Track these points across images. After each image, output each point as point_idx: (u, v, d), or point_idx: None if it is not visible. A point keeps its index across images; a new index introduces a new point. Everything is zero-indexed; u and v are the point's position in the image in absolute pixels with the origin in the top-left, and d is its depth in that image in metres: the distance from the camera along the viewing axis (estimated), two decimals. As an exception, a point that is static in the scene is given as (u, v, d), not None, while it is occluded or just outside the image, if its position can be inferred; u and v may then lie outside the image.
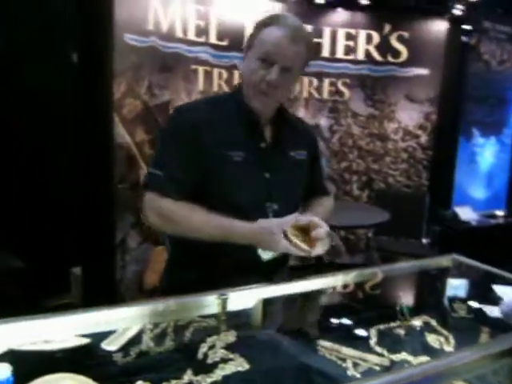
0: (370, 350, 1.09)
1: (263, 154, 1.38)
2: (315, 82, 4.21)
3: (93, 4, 2.90)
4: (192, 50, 3.45)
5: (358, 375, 0.98)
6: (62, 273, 3.16)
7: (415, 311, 1.23)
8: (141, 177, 3.05)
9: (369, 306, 1.33)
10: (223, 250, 1.26)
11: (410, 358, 1.06)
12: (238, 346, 0.98)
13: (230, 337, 1.00)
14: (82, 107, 2.97)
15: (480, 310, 1.30)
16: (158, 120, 3.21)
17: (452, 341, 1.16)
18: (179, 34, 3.35)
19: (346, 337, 1.12)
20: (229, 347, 0.98)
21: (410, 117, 4.38)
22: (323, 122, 4.30)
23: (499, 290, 1.40)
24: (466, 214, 4.53)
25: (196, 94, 3.53)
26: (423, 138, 4.41)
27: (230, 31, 3.59)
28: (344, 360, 1.03)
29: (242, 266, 1.28)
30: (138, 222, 3.07)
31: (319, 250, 1.20)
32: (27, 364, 0.90)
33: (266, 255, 1.32)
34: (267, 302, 1.21)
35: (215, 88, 3.64)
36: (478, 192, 4.92)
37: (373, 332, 1.17)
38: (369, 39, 4.22)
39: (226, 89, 3.63)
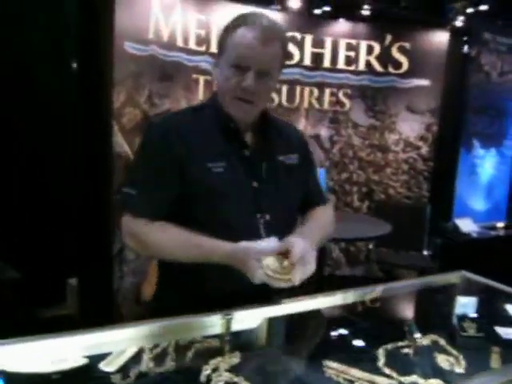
0: (379, 372, 1.04)
1: (248, 162, 1.27)
2: (316, 92, 4.19)
3: (93, 12, 2.88)
4: (193, 59, 3.44)
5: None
6: (58, 283, 3.11)
7: (423, 330, 1.19)
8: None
9: (375, 324, 1.29)
10: (210, 272, 1.18)
11: (420, 381, 1.02)
12: (242, 368, 0.94)
13: (234, 358, 0.96)
14: (81, 116, 2.94)
15: (490, 328, 1.26)
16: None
17: (462, 362, 1.12)
18: (180, 43, 3.34)
19: (353, 357, 1.08)
20: (233, 369, 0.94)
21: (410, 128, 4.37)
22: (323, 132, 4.28)
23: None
24: (466, 225, 4.49)
25: (197, 103, 3.50)
26: (424, 149, 4.39)
27: (231, 41, 3.57)
28: (352, 382, 0.99)
29: (232, 286, 1.18)
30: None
31: (298, 276, 1.09)
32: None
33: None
34: (271, 322, 1.17)
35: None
36: (478, 204, 4.90)
37: (380, 352, 1.12)
38: (370, 50, 4.22)
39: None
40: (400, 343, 1.16)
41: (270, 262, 1.08)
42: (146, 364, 0.98)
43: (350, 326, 1.24)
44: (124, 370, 0.95)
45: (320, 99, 4.22)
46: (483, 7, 4.10)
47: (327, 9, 4.03)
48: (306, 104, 4.19)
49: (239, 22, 1.23)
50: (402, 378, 1.02)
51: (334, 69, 4.18)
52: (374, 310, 1.40)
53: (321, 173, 3.67)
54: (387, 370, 1.05)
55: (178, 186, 1.22)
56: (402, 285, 1.48)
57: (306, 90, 4.16)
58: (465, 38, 4.39)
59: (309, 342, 1.16)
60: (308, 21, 3.99)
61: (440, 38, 4.31)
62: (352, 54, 4.20)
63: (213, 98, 1.33)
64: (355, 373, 1.03)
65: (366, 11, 4.05)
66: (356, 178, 4.40)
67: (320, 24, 4.11)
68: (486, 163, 4.88)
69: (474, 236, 4.46)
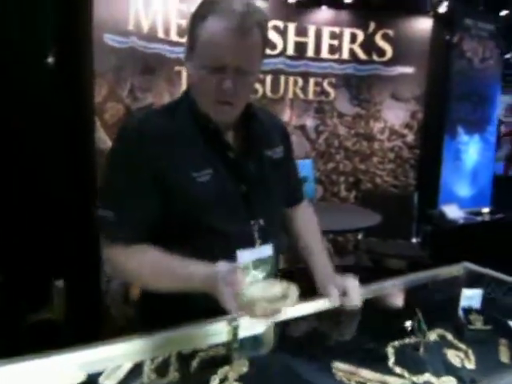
0: (390, 372, 1.01)
1: (233, 164, 1.13)
2: (300, 81, 4.14)
3: (71, 2, 2.77)
4: (174, 50, 3.34)
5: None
6: (43, 285, 3.02)
7: (429, 324, 1.16)
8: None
9: (381, 321, 1.25)
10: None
11: (433, 379, 0.99)
12: (251, 376, 0.89)
13: (243, 367, 0.91)
14: (61, 112, 2.83)
15: (497, 320, 1.24)
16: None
17: (472, 357, 1.09)
18: (161, 34, 3.24)
19: (362, 357, 1.04)
20: (242, 379, 0.89)
21: (395, 116, 4.36)
22: (309, 122, 4.24)
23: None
24: (452, 212, 4.51)
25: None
26: (410, 137, 4.39)
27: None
28: (364, 384, 0.96)
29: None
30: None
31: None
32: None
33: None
34: (276, 326, 1.12)
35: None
36: (464, 190, 4.93)
37: (390, 350, 1.09)
38: (353, 38, 4.18)
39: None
40: (407, 340, 1.14)
41: (256, 289, 0.89)
42: (148, 376, 0.93)
43: (355, 324, 1.21)
44: (125, 382, 0.90)
45: (304, 89, 4.17)
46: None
47: (309, -4, 3.98)
48: (290, 94, 4.14)
49: (207, 9, 1.02)
50: (415, 378, 0.99)
51: (317, 58, 4.14)
52: (377, 306, 1.36)
53: (307, 163, 3.63)
54: (398, 369, 1.02)
55: (159, 203, 1.07)
56: (404, 279, 1.44)
57: (291, 79, 4.11)
58: (447, 25, 4.38)
59: (316, 344, 1.12)
60: (291, 9, 3.93)
61: (423, 25, 4.29)
62: (335, 42, 4.16)
63: (187, 95, 1.17)
64: (366, 374, 0.99)
65: (348, -2, 4.01)
66: (342, 167, 4.38)
67: (303, 12, 4.05)
68: (470, 149, 4.90)
69: (460, 222, 4.49)
